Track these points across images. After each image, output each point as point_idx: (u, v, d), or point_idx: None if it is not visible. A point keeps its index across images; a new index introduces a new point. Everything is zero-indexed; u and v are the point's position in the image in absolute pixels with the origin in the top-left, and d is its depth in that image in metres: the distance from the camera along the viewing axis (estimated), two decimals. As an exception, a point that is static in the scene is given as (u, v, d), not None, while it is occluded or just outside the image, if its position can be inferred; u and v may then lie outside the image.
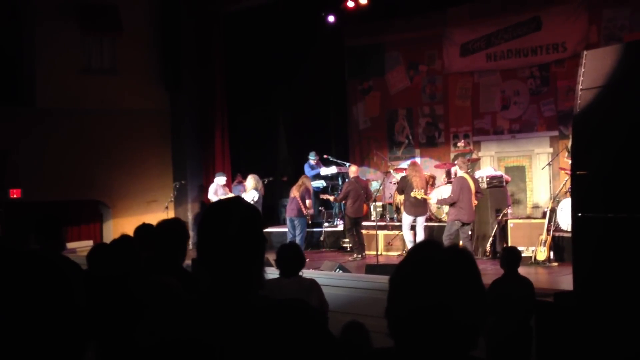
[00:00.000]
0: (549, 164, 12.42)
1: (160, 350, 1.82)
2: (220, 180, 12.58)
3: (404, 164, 14.16)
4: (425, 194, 10.67)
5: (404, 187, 10.83)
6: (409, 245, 10.78)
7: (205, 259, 1.94)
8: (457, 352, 1.51)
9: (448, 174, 13.01)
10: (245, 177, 12.77)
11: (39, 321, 1.14)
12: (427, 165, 14.27)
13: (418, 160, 14.39)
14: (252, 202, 11.79)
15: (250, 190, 11.89)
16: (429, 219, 11.96)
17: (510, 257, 6.08)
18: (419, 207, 10.73)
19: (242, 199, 2.15)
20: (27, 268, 1.18)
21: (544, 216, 10.62)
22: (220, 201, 2.12)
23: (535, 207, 13.16)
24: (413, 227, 10.97)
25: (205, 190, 13.87)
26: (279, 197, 15.03)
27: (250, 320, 1.80)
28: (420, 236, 10.80)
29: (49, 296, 1.18)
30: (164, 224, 3.68)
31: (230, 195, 12.17)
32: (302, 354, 1.80)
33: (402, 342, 1.52)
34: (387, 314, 1.54)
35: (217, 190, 12.38)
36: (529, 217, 12.10)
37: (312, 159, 13.83)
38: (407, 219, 10.87)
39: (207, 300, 1.88)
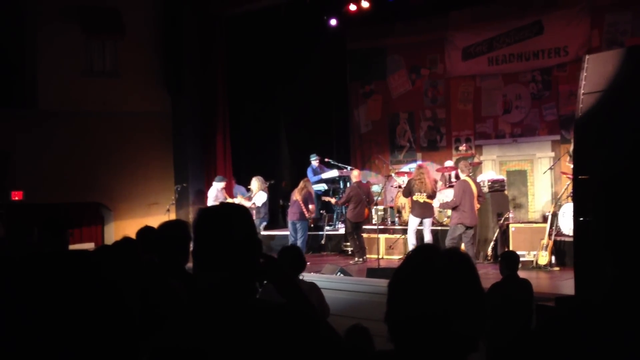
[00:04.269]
0: (550, 168, 12.40)
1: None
2: (219, 184, 12.35)
3: (406, 168, 14.19)
4: (432, 196, 10.70)
5: (410, 189, 10.84)
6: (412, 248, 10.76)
7: (204, 263, 1.94)
8: (456, 355, 1.51)
9: (442, 178, 13.03)
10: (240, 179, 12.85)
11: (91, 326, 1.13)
12: (429, 169, 14.25)
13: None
14: (261, 204, 11.88)
15: (259, 192, 11.92)
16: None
17: (509, 262, 6.10)
18: (426, 209, 10.74)
19: (233, 204, 2.16)
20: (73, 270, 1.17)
21: (545, 220, 10.61)
22: (215, 207, 2.12)
23: (537, 211, 13.15)
24: (419, 231, 10.95)
25: (206, 193, 13.87)
26: (280, 200, 15.02)
27: (251, 324, 1.80)
28: (428, 238, 10.80)
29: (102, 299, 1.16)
30: (166, 225, 3.64)
31: (230, 199, 12.18)
32: (303, 357, 1.80)
33: (402, 346, 1.53)
34: (386, 318, 1.55)
35: (217, 195, 12.23)
36: (530, 222, 12.09)
37: (314, 159, 13.81)
38: (413, 221, 10.84)
39: (208, 306, 1.88)
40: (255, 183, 12.09)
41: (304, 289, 4.99)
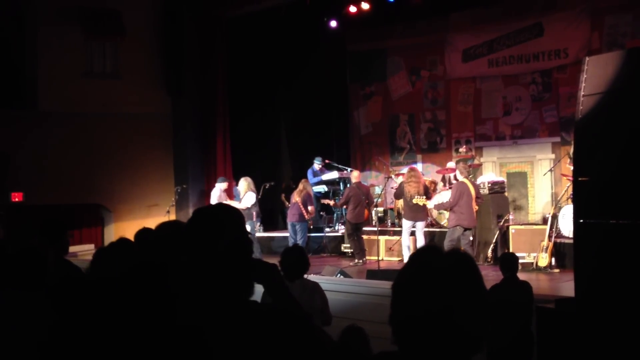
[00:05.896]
0: (550, 170, 12.40)
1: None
2: (222, 185, 12.44)
3: (406, 170, 14.17)
4: (427, 199, 10.67)
5: (400, 193, 10.86)
6: (405, 250, 10.78)
7: (197, 262, 1.95)
8: (461, 356, 1.51)
9: (443, 180, 13.02)
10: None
11: None
12: (429, 170, 14.27)
13: (420, 165, 14.39)
14: (251, 204, 11.76)
15: (248, 193, 11.85)
16: (430, 225, 11.94)
17: (508, 264, 6.10)
18: (418, 212, 10.74)
19: (224, 204, 2.16)
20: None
21: (545, 222, 10.60)
22: (207, 207, 2.12)
23: (537, 213, 13.14)
24: (412, 233, 10.96)
25: (206, 194, 13.87)
26: (279, 202, 15.03)
27: (243, 324, 1.82)
28: (421, 241, 10.80)
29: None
30: (163, 226, 3.63)
31: (231, 201, 12.14)
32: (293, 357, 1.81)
33: (407, 348, 1.53)
34: (390, 320, 1.55)
35: (220, 195, 12.28)
36: (530, 223, 12.08)
37: (318, 163, 13.81)
38: (406, 225, 10.86)
39: (203, 305, 1.89)
40: (243, 184, 11.96)
41: (307, 288, 5.03)
